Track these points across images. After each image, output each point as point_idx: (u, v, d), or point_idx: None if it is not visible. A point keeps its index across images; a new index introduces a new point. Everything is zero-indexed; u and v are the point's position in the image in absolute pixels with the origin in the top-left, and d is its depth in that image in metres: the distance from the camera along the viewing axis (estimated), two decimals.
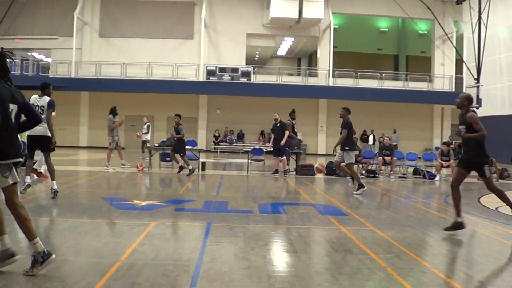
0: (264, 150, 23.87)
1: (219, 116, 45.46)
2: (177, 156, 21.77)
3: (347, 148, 17.11)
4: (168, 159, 23.21)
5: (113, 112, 23.52)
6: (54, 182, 14.01)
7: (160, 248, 8.33)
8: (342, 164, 17.40)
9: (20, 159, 7.01)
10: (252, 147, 24.78)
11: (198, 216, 11.58)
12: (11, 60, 35.83)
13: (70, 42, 43.39)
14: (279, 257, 8.27)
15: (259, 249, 8.49)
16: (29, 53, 47.30)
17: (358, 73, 44.07)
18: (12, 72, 33.08)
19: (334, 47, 44.67)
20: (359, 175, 17.62)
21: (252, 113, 44.85)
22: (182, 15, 44.99)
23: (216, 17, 45.09)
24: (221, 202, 13.83)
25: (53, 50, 45.29)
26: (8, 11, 41.22)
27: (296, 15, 42.89)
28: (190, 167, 21.28)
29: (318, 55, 46.64)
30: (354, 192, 16.74)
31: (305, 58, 59.28)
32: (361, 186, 16.77)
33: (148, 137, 31.48)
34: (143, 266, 7.23)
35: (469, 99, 10.59)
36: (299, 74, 50.71)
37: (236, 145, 43.01)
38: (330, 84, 43.49)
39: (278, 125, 22.20)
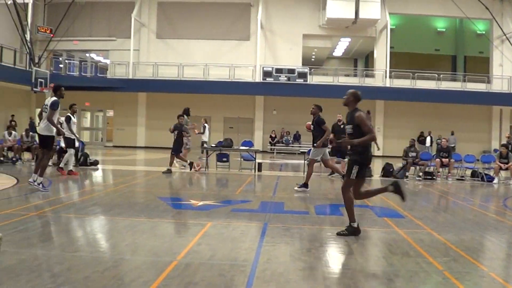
0: None
1: (275, 117, 45.43)
2: (170, 155, 22.02)
3: (315, 145, 17.00)
4: (224, 159, 23.30)
5: (187, 112, 23.87)
6: (37, 176, 14.70)
7: (216, 248, 8.36)
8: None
9: None
10: (309, 148, 24.71)
11: (254, 217, 11.59)
12: (69, 61, 36.55)
13: (127, 43, 43.93)
14: (335, 258, 8.23)
15: (315, 250, 8.46)
16: (87, 55, 48.04)
17: (415, 74, 43.56)
18: (71, 73, 34.06)
19: (390, 47, 44.23)
20: (311, 175, 17.32)
21: (309, 114, 44.33)
22: (239, 17, 45.11)
23: (272, 18, 45.09)
24: (278, 203, 13.83)
25: (111, 51, 45.90)
26: (67, 13, 41.93)
27: (353, 16, 42.59)
28: (170, 168, 21.72)
29: (375, 55, 46.26)
30: (296, 188, 16.82)
31: (361, 59, 58.90)
32: (305, 185, 16.78)
33: (205, 138, 31.67)
34: (199, 266, 7.27)
35: (355, 95, 10.10)
36: (355, 75, 50.44)
37: (292, 146, 42.95)
38: (387, 85, 43.04)
39: (342, 126, 21.95)
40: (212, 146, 24.17)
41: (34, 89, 38.47)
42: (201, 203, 13.09)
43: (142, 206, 12.75)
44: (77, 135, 19.86)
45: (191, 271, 7.04)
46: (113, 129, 46.93)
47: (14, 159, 23.49)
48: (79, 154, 22.78)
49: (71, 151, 19.88)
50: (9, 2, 37.09)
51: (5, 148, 24.14)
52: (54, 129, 14.97)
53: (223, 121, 44.03)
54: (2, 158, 23.61)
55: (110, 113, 47.98)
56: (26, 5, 39.58)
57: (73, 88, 41.52)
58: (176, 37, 45.17)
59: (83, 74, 44.70)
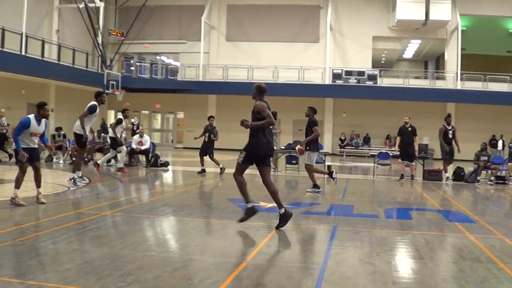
0: (391, 154, 23.49)
1: (345, 119, 45.17)
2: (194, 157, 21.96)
3: (308, 148, 16.64)
4: (294, 161, 23.27)
5: (274, 116, 23.95)
6: (79, 172, 15.94)
7: (285, 250, 8.35)
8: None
9: None
10: (378, 151, 24.48)
11: (324, 219, 11.54)
12: (140, 63, 36.97)
13: (197, 46, 44.32)
14: (405, 263, 8.11)
15: (384, 254, 8.37)
16: (158, 57, 48.67)
17: (487, 76, 42.70)
18: (142, 75, 34.44)
19: (462, 49, 43.49)
20: (315, 177, 16.96)
21: (378, 117, 44.29)
22: (308, 19, 45.03)
23: (342, 20, 44.84)
24: (347, 206, 13.73)
25: (181, 54, 46.41)
26: (138, 16, 42.58)
27: (423, 17, 42.03)
28: (203, 169, 21.56)
29: (446, 57, 45.53)
30: (308, 190, 16.61)
31: (432, 61, 58.00)
32: (316, 186, 16.63)
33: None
34: (268, 268, 7.27)
35: (258, 88, 11.12)
36: (426, 77, 49.69)
37: (362, 149, 42.66)
38: (458, 87, 42.33)
39: (409, 128, 21.65)
40: (281, 149, 24.14)
41: (106, 91, 39.18)
42: (270, 205, 13.07)
43: (211, 207, 12.85)
44: (123, 138, 20.08)
45: (259, 272, 7.04)
46: (183, 131, 47.38)
47: (86, 159, 23.91)
48: (150, 155, 23.08)
49: (121, 149, 20.39)
50: (81, 6, 37.84)
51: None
52: (86, 129, 15.84)
53: (292, 123, 43.94)
54: (74, 159, 24.09)
55: (181, 115, 48.46)
56: (97, 8, 40.32)
57: (144, 90, 42.22)
58: (245, 39, 45.37)
59: (154, 76, 45.29)
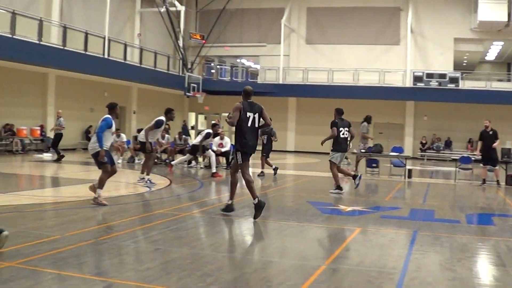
0: (473, 158, 23.02)
1: (426, 123, 44.44)
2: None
3: (331, 148, 17.17)
4: (374, 165, 23.07)
5: (369, 120, 23.98)
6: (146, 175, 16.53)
7: (364, 254, 8.29)
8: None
9: None
10: (460, 155, 24.05)
11: (404, 224, 11.41)
12: (221, 66, 37.30)
13: (277, 49, 44.37)
14: (486, 270, 7.94)
15: (465, 260, 8.21)
16: (238, 60, 48.95)
17: None
18: (222, 78, 34.73)
19: None
20: (338, 177, 17.02)
21: (460, 120, 43.41)
22: (388, 21, 44.52)
23: (423, 22, 44.13)
24: (427, 211, 13.53)
25: (261, 57, 46.55)
26: (218, 20, 42.91)
27: (505, 18, 40.93)
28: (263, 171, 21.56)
29: None
30: (331, 191, 16.69)
31: None
32: (339, 187, 16.71)
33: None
34: (347, 272, 7.23)
35: (243, 91, 12.92)
36: (509, 80, 48.51)
37: (443, 153, 41.90)
38: None
39: (491, 132, 21.19)
40: (362, 152, 23.94)
41: (187, 93, 39.69)
42: (350, 208, 13.02)
43: (291, 210, 12.86)
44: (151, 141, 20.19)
45: (338, 276, 7.02)
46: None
47: (167, 161, 24.24)
48: (230, 157, 23.24)
49: (209, 154, 21.07)
50: (162, 10, 38.39)
51: (159, 150, 24.99)
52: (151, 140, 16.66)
53: (372, 126, 43.50)
54: (156, 160, 24.48)
55: None
56: (178, 12, 40.80)
57: (224, 93, 42.51)
58: (325, 42, 45.15)
59: (234, 79, 45.55)
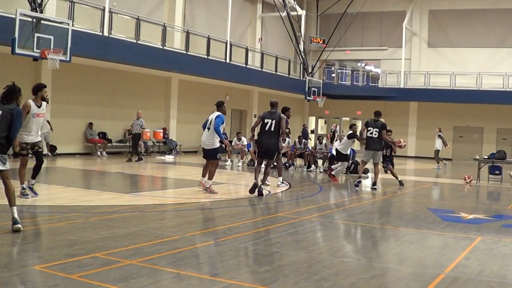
0: None
1: None
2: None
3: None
4: (497, 172, 22.38)
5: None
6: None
7: (485, 263, 8.07)
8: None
9: None
10: None
11: None
12: (341, 70, 37.19)
13: (399, 52, 43.85)
14: None
15: None
16: (358, 64, 48.64)
17: None
18: (343, 82, 34.56)
19: None
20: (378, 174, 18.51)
21: None
22: None
23: None
24: None
25: (382, 61, 46.11)
26: (339, 24, 42.76)
27: None
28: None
29: None
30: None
31: None
32: (373, 184, 18.09)
33: (438, 146, 31.26)
34: (466, 281, 7.07)
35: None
36: None
37: None
38: None
39: None
40: (484, 158, 23.31)
41: (308, 97, 39.78)
42: (471, 216, 12.71)
43: (410, 216, 12.68)
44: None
45: (458, 285, 6.87)
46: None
47: (287, 164, 24.38)
48: (350, 162, 23.13)
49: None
50: (283, 15, 38.61)
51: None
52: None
53: (496, 132, 42.24)
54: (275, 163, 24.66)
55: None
56: (299, 16, 40.96)
57: (344, 97, 42.38)
58: (448, 45, 44.16)
59: (354, 83, 45.33)
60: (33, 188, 12.28)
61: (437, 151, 31.49)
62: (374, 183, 18.03)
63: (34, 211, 11.13)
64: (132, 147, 26.07)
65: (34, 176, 12.19)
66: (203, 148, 15.12)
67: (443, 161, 32.09)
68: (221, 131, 14.85)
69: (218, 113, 14.71)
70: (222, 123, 14.59)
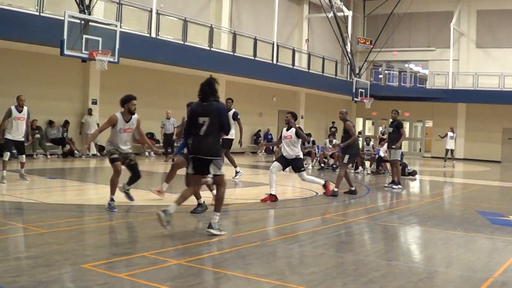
0: None
1: None
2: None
3: (393, 146, 18.02)
4: None
5: None
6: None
7: None
8: None
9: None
10: None
11: None
12: (389, 71, 36.91)
13: (446, 53, 43.41)
14: None
15: None
16: (406, 65, 48.25)
17: None
18: (390, 84, 34.38)
19: None
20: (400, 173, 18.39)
21: None
22: None
23: None
24: None
25: (430, 62, 45.68)
26: (386, 24, 42.47)
27: None
28: None
29: None
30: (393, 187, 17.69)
31: None
32: (396, 182, 17.95)
33: (449, 146, 31.37)
34: None
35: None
36: None
37: None
38: None
39: None
40: None
41: (355, 99, 39.61)
42: None
43: (459, 219, 12.53)
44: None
45: None
46: (431, 140, 46.55)
47: (334, 166, 24.31)
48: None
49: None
50: (330, 15, 38.47)
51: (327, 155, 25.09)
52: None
53: None
54: (323, 165, 24.59)
55: (429, 123, 47.61)
56: (346, 17, 40.79)
57: (392, 98, 42.09)
58: (497, 46, 43.47)
59: (402, 84, 45.01)
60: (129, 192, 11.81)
61: (450, 151, 31.85)
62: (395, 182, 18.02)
63: (83, 210, 11.29)
64: (166, 147, 26.16)
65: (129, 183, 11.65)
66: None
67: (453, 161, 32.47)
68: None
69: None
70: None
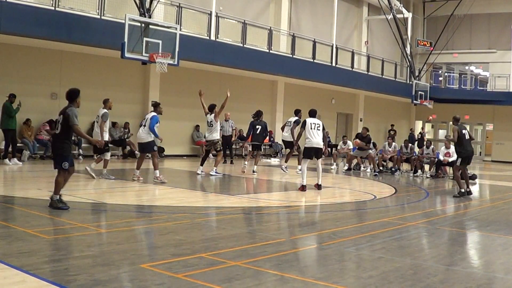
0: None
1: None
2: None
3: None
4: None
5: None
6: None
7: None
8: None
9: None
10: None
11: None
12: (449, 74, 36.49)
13: (508, 55, 42.68)
14: None
15: None
16: (466, 67, 47.61)
17: None
18: (450, 86, 34.02)
19: None
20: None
21: None
22: None
23: None
24: None
25: (490, 64, 44.95)
26: (446, 26, 42.00)
27: None
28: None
29: None
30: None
31: None
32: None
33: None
34: None
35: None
36: None
37: None
38: None
39: None
40: None
41: (414, 101, 39.22)
42: None
43: None
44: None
45: None
46: (492, 143, 45.86)
47: (393, 169, 24.13)
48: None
49: None
50: (389, 17, 38.18)
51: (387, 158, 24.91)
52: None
53: None
54: (381, 168, 24.43)
55: (490, 127, 46.90)
56: (406, 19, 40.43)
57: (452, 101, 41.58)
58: None
59: (462, 87, 44.44)
60: None
61: None
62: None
63: (142, 211, 11.46)
64: (224, 150, 26.23)
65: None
66: (139, 143, 16.80)
67: None
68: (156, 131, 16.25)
69: (154, 113, 16.41)
70: (157, 123, 16.27)
